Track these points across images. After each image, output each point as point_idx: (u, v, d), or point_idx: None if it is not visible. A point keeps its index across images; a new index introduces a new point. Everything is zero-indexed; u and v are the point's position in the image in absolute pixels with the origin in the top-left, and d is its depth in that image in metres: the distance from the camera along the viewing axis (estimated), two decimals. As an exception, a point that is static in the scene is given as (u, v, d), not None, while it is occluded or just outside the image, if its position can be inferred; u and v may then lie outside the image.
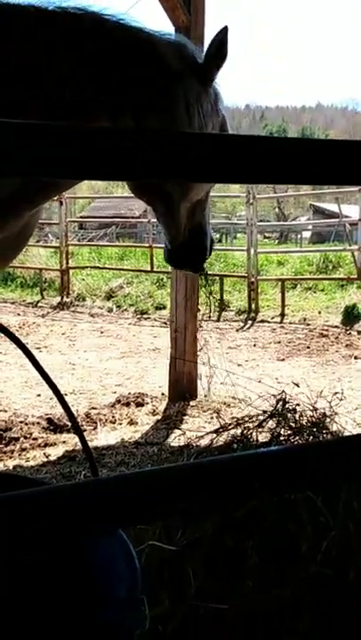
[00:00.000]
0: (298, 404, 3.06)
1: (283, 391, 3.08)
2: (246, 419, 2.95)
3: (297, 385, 3.65)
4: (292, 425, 2.88)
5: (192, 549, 2.11)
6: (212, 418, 5.15)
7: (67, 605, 1.56)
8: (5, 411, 5.33)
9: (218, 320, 10.69)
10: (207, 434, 3.16)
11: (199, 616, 1.90)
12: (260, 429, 2.88)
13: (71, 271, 13.34)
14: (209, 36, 5.42)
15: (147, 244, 13.51)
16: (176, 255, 2.99)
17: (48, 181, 2.33)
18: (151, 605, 1.91)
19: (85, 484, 1.19)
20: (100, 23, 2.28)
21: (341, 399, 3.11)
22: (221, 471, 1.20)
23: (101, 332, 9.99)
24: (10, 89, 2.07)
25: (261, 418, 2.99)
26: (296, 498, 2.25)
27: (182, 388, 5.79)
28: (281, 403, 3.02)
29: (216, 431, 2.99)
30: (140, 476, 1.24)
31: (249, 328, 10.13)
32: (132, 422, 5.11)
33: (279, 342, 9.01)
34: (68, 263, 13.29)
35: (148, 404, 5.63)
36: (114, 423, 5.08)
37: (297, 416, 2.96)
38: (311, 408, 3.03)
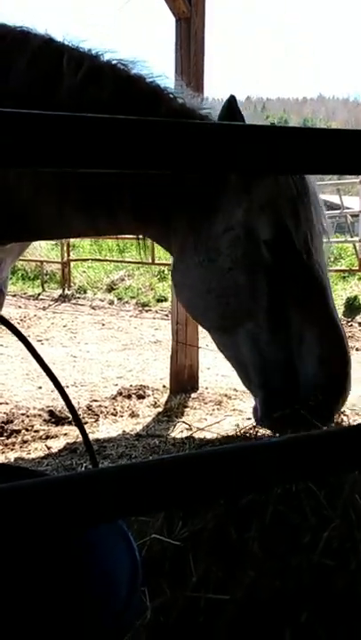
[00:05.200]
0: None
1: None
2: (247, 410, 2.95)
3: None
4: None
5: (194, 540, 2.12)
6: (213, 410, 5.16)
7: (67, 597, 1.56)
8: (7, 403, 5.33)
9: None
10: (209, 426, 3.16)
11: (200, 607, 1.90)
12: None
13: (72, 263, 13.32)
14: (209, 27, 5.42)
15: (148, 237, 13.43)
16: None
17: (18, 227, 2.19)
18: (153, 596, 1.92)
19: (85, 475, 1.19)
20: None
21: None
22: (224, 462, 1.20)
23: (103, 325, 9.98)
24: None
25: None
26: (298, 489, 2.26)
27: (184, 380, 5.79)
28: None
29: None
30: (139, 467, 1.24)
31: (250, 320, 10.10)
32: (133, 414, 5.11)
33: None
34: (69, 255, 13.26)
35: (149, 396, 5.63)
36: (115, 415, 5.08)
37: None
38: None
